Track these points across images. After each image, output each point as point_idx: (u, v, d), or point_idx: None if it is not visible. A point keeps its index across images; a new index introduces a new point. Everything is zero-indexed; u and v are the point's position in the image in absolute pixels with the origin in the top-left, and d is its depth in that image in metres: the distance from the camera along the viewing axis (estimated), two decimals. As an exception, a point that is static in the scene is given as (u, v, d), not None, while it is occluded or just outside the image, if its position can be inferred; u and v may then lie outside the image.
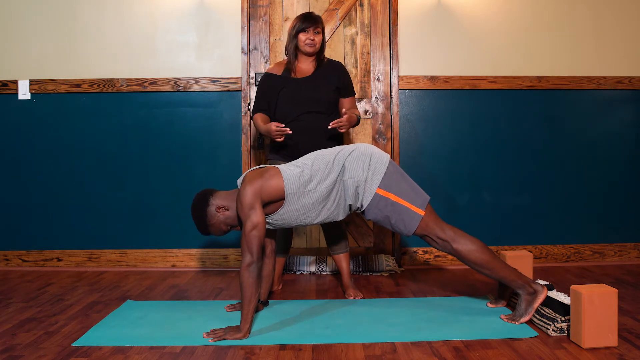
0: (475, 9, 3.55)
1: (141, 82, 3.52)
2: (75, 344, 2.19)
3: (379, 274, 3.33)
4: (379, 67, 3.57)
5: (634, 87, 3.59)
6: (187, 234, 3.46)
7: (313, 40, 2.86)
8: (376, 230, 3.57)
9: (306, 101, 2.84)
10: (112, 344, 2.18)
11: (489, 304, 2.61)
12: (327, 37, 3.54)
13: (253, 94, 3.52)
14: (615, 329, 2.09)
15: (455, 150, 3.56)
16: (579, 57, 3.58)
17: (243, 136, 3.51)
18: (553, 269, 3.42)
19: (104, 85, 3.52)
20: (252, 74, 3.54)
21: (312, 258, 3.41)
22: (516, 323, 2.34)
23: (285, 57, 2.96)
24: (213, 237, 3.52)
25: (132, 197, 3.54)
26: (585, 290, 2.08)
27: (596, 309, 2.07)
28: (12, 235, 3.56)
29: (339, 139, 2.94)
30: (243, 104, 3.51)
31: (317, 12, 3.52)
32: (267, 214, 2.38)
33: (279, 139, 2.72)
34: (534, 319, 2.34)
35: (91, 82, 3.52)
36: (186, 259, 3.54)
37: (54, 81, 3.53)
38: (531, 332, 2.24)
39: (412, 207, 2.39)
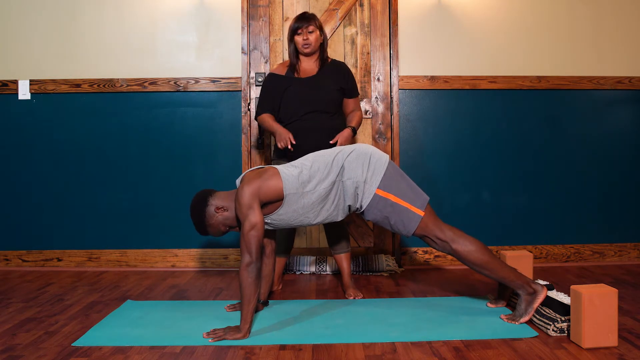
0: (475, 9, 3.55)
1: (141, 82, 3.52)
2: (75, 344, 2.19)
3: (379, 274, 3.33)
4: (379, 67, 3.57)
5: (634, 87, 3.59)
6: (187, 234, 3.46)
7: (307, 39, 2.85)
8: (376, 231, 3.57)
9: (310, 101, 2.84)
10: (112, 344, 2.18)
11: (489, 304, 2.61)
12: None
13: (253, 94, 3.52)
14: (615, 329, 2.09)
15: (455, 150, 3.56)
16: (579, 57, 3.58)
17: (243, 136, 3.51)
18: (553, 269, 3.42)
19: (104, 85, 3.52)
20: (252, 74, 3.54)
21: (313, 258, 3.41)
22: (516, 323, 2.34)
23: (287, 58, 2.97)
24: (213, 237, 3.52)
25: (132, 197, 3.54)
26: (585, 290, 2.08)
27: (596, 309, 2.07)
28: (12, 235, 3.56)
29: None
30: (243, 104, 3.51)
31: (317, 12, 3.53)
32: (265, 215, 2.38)
33: (281, 146, 2.75)
34: (534, 319, 2.34)
35: (91, 82, 3.52)
36: (186, 259, 3.54)
37: (54, 81, 3.53)
38: (531, 332, 2.24)
39: (411, 208, 2.39)
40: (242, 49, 3.52)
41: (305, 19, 2.85)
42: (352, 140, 3.55)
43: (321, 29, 2.91)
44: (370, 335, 2.24)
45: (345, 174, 2.41)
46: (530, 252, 3.44)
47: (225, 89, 3.52)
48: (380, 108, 3.56)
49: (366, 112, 3.56)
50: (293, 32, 2.87)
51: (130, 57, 3.53)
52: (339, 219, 2.49)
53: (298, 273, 3.37)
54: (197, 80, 3.52)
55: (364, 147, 2.48)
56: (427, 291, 2.94)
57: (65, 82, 3.53)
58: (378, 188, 2.39)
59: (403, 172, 2.48)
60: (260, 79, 3.52)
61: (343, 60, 3.55)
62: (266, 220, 2.40)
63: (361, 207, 2.43)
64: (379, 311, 2.56)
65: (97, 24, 3.53)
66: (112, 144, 3.54)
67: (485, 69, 3.55)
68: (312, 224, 2.48)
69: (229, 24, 3.53)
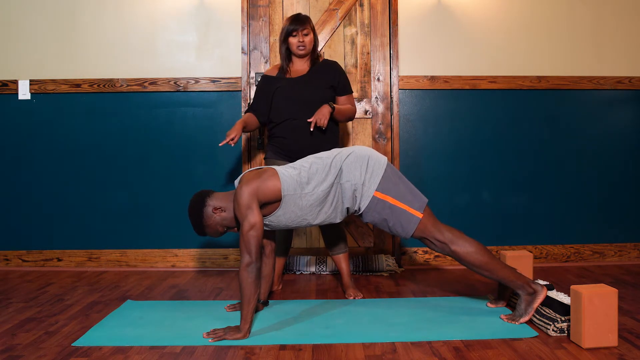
0: (475, 9, 3.55)
1: (141, 82, 3.52)
2: (75, 344, 2.19)
3: (379, 274, 3.33)
4: (379, 67, 3.57)
5: (634, 87, 3.59)
6: (187, 234, 3.46)
7: (303, 42, 2.87)
8: (376, 231, 3.57)
9: (301, 100, 2.85)
10: (112, 344, 2.18)
11: (488, 304, 2.61)
12: (327, 37, 3.54)
13: (253, 94, 3.52)
14: (615, 329, 2.09)
15: (455, 150, 3.56)
16: (579, 57, 3.58)
17: (243, 136, 3.51)
18: (553, 269, 3.42)
19: (104, 85, 3.52)
20: (252, 74, 3.54)
21: (312, 258, 3.41)
22: (516, 323, 2.34)
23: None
24: (211, 237, 3.52)
25: (132, 197, 3.54)
26: (585, 290, 2.08)
27: (596, 309, 2.07)
28: (12, 235, 3.56)
29: (334, 136, 2.93)
30: (243, 104, 3.51)
31: (317, 12, 3.53)
32: (264, 216, 2.37)
33: (220, 142, 2.75)
34: (534, 319, 2.34)
35: (91, 82, 3.52)
36: (186, 259, 3.54)
37: (54, 81, 3.53)
38: (531, 332, 2.24)
39: (410, 210, 2.39)
40: (242, 49, 3.52)
41: (300, 21, 2.86)
42: (352, 140, 3.56)
43: (314, 30, 2.93)
44: (370, 335, 2.24)
45: (344, 176, 2.41)
46: (530, 252, 3.44)
47: (225, 89, 3.52)
48: (380, 108, 3.56)
49: (366, 112, 3.56)
50: (288, 34, 2.88)
51: (130, 57, 3.53)
52: (337, 220, 2.49)
53: (298, 273, 3.37)
54: (197, 80, 3.52)
55: (362, 149, 2.48)
56: (427, 291, 2.94)
57: (65, 82, 3.53)
58: (376, 190, 2.39)
59: (401, 174, 2.48)
60: (259, 79, 3.52)
61: (343, 60, 3.56)
62: (264, 222, 2.40)
63: (359, 209, 2.43)
64: (379, 311, 2.56)
65: (97, 24, 3.53)
66: (112, 144, 3.54)
67: (485, 69, 3.55)
68: (311, 226, 2.48)
69: (229, 24, 3.53)
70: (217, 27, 3.53)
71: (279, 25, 3.56)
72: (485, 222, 3.56)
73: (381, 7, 3.56)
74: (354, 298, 2.80)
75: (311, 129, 2.75)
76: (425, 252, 3.55)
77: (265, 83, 2.94)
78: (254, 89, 3.53)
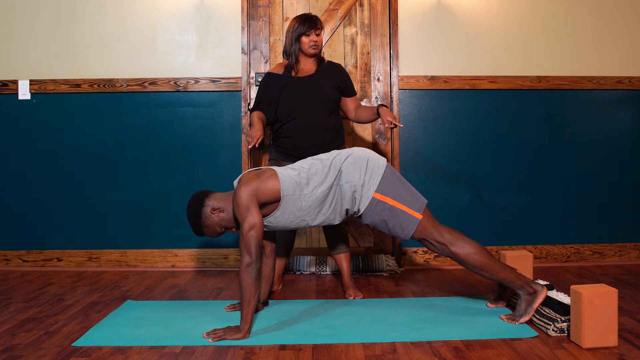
0: (475, 9, 3.55)
1: (141, 82, 3.52)
2: (75, 344, 2.19)
3: (379, 274, 3.33)
4: (379, 67, 3.57)
5: (634, 87, 3.59)
6: (187, 234, 3.46)
7: (316, 42, 2.89)
8: (376, 231, 3.57)
9: (308, 99, 2.85)
10: (112, 344, 2.18)
11: (488, 304, 2.61)
12: (327, 37, 3.55)
13: (253, 94, 3.52)
14: (615, 329, 2.09)
15: (455, 150, 3.56)
16: (578, 57, 3.58)
17: (243, 136, 3.51)
18: (553, 269, 3.42)
19: (104, 85, 3.52)
20: (252, 74, 3.54)
21: (312, 258, 3.41)
22: (516, 323, 2.34)
23: (285, 59, 2.97)
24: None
25: (132, 197, 3.54)
26: (585, 290, 2.08)
27: (596, 309, 2.07)
28: (12, 235, 3.56)
29: (340, 136, 2.94)
30: (243, 104, 3.51)
31: (317, 12, 3.53)
32: (263, 216, 2.37)
33: (248, 141, 2.66)
34: (534, 319, 2.34)
35: (91, 82, 3.52)
36: (186, 259, 3.54)
37: (54, 81, 3.53)
38: (531, 332, 2.24)
39: (409, 211, 2.39)
40: (242, 49, 3.52)
41: (314, 22, 2.88)
42: (352, 140, 3.56)
43: (322, 30, 2.95)
44: (370, 335, 2.24)
45: (343, 177, 2.41)
46: (530, 252, 3.44)
47: (225, 89, 3.52)
48: (380, 108, 3.56)
49: (366, 112, 3.56)
50: (301, 34, 2.88)
51: (130, 57, 3.53)
52: (337, 222, 2.49)
53: (298, 273, 3.37)
54: (197, 80, 3.52)
55: (362, 150, 2.48)
56: (427, 291, 2.94)
57: (65, 82, 3.53)
58: (376, 192, 2.39)
59: (401, 176, 2.48)
60: (260, 79, 3.52)
61: (343, 60, 3.56)
62: (263, 222, 2.40)
63: (359, 210, 2.43)
64: (379, 311, 2.56)
65: (97, 24, 3.53)
66: (112, 144, 3.54)
67: (485, 69, 3.55)
68: (310, 227, 2.48)
69: (229, 24, 3.53)
70: (217, 27, 3.53)
71: (279, 25, 3.56)
72: (485, 222, 3.56)
73: (381, 7, 3.56)
74: (354, 298, 2.80)
75: (391, 127, 2.63)
76: (425, 252, 3.55)
77: (271, 81, 2.92)
78: (254, 89, 3.53)
